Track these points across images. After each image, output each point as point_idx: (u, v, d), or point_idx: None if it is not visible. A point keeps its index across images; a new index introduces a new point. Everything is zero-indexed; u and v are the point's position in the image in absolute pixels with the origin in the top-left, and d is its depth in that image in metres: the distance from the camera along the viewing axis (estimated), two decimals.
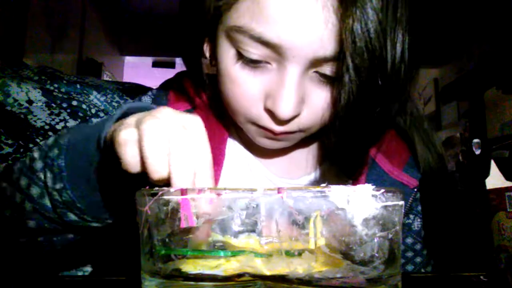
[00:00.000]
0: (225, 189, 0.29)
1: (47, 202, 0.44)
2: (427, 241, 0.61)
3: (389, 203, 0.29)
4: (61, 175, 0.43)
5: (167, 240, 0.30)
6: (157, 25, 3.30)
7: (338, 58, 0.44)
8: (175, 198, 0.29)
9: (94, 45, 3.29)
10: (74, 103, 0.64)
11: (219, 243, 0.31)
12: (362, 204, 0.28)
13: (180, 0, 0.52)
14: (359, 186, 0.28)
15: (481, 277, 0.43)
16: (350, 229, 0.28)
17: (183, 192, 0.29)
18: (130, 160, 0.35)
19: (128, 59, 4.22)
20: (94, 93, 0.65)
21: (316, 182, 0.59)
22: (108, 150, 0.39)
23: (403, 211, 0.30)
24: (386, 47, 0.43)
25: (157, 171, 0.34)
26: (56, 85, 0.64)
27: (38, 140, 0.61)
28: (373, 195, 0.28)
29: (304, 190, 0.29)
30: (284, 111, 0.46)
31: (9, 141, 0.61)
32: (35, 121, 0.61)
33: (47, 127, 0.62)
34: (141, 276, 0.31)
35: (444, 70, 3.38)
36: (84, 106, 0.64)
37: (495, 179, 0.44)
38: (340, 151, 0.52)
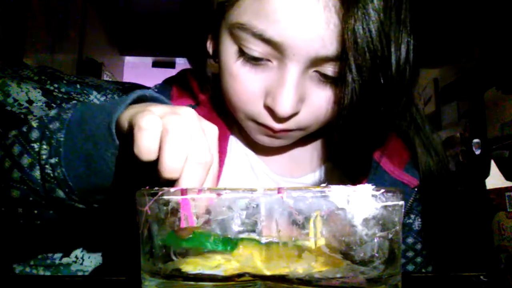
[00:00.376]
0: (225, 189, 0.29)
1: (36, 173, 0.43)
2: (427, 241, 0.61)
3: (389, 203, 0.29)
4: (58, 150, 0.42)
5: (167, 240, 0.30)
6: (157, 25, 3.30)
7: (339, 58, 0.44)
8: (175, 198, 0.29)
9: (94, 45, 3.29)
10: (74, 103, 0.64)
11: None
12: (362, 204, 0.28)
13: None
14: (359, 186, 0.28)
15: (481, 277, 0.43)
16: (350, 229, 0.28)
17: (183, 192, 0.29)
18: (147, 146, 0.34)
19: (128, 59, 4.22)
20: (94, 93, 0.65)
21: (319, 181, 0.60)
22: (119, 133, 0.38)
23: (403, 211, 0.30)
24: (389, 48, 0.44)
25: (170, 170, 0.33)
26: (56, 85, 0.64)
27: None
28: (373, 195, 0.28)
29: (304, 190, 0.29)
30: (283, 109, 0.46)
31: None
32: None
33: None
34: (141, 276, 0.31)
35: (444, 70, 3.38)
36: None
37: (495, 179, 0.44)
38: (344, 153, 0.53)
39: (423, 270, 0.62)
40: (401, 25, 0.45)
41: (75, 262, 0.61)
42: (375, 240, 0.28)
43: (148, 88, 0.67)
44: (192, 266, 0.30)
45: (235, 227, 0.29)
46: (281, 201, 0.28)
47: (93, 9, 3.24)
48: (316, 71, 0.47)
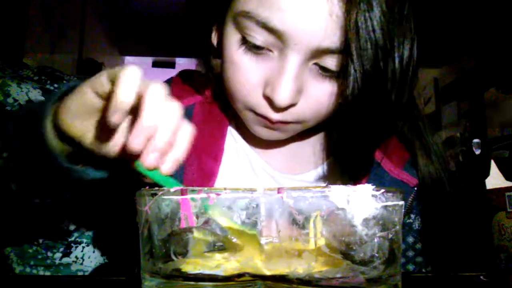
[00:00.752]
0: (225, 189, 0.29)
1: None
2: (427, 241, 0.61)
3: (389, 203, 0.29)
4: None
5: (167, 240, 0.30)
6: (157, 25, 3.30)
7: (340, 50, 0.45)
8: (175, 198, 0.29)
9: (94, 45, 3.29)
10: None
11: (219, 243, 0.31)
12: (362, 204, 0.28)
13: None
14: (359, 186, 0.28)
15: (481, 277, 0.43)
16: (350, 229, 0.28)
17: (183, 192, 0.29)
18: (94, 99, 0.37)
19: (128, 59, 4.22)
20: None
21: (319, 179, 0.60)
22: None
23: (403, 211, 0.30)
24: (392, 41, 0.45)
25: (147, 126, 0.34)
26: (56, 85, 0.64)
27: None
28: (373, 195, 0.28)
29: (304, 190, 0.29)
30: (281, 98, 0.47)
31: None
32: None
33: None
34: (141, 276, 0.31)
35: (444, 70, 3.38)
36: None
37: (495, 179, 0.44)
38: (345, 151, 0.53)
39: (423, 270, 0.62)
40: (404, 20, 0.46)
41: (75, 262, 0.61)
42: (375, 240, 0.28)
43: None
44: (192, 266, 0.30)
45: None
46: (281, 201, 0.28)
47: (93, 9, 3.24)
48: (315, 63, 0.47)
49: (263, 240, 0.29)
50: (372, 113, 0.48)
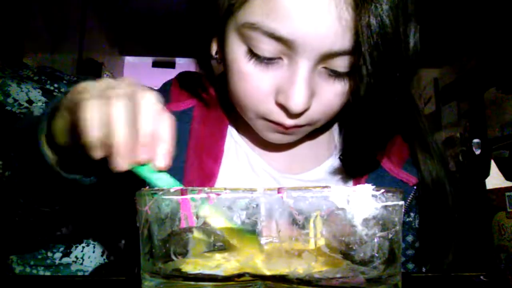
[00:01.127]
0: (225, 189, 0.29)
1: None
2: (426, 240, 0.61)
3: (389, 203, 0.29)
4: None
5: (167, 240, 0.30)
6: (157, 25, 3.30)
7: (350, 52, 0.45)
8: (175, 198, 0.29)
9: (94, 45, 3.29)
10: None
11: (219, 243, 0.31)
12: (362, 204, 0.28)
13: None
14: (359, 186, 0.28)
15: (481, 277, 0.43)
16: (350, 229, 0.28)
17: (183, 192, 0.29)
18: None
19: (128, 59, 4.22)
20: None
21: (319, 178, 0.60)
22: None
23: (403, 211, 0.30)
24: (400, 40, 0.44)
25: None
26: (56, 85, 0.64)
27: None
28: (373, 195, 0.28)
29: (304, 190, 0.29)
30: (296, 105, 0.46)
31: None
32: None
33: None
34: (141, 276, 0.31)
35: (444, 70, 3.38)
36: None
37: (495, 179, 0.44)
38: (348, 151, 0.53)
39: (423, 269, 0.62)
40: (409, 18, 0.46)
41: (75, 262, 0.61)
42: (375, 240, 0.28)
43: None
44: (192, 266, 0.30)
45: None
46: (281, 201, 0.28)
47: (93, 9, 3.24)
48: (324, 66, 0.47)
49: (263, 240, 0.29)
50: (380, 110, 0.48)
